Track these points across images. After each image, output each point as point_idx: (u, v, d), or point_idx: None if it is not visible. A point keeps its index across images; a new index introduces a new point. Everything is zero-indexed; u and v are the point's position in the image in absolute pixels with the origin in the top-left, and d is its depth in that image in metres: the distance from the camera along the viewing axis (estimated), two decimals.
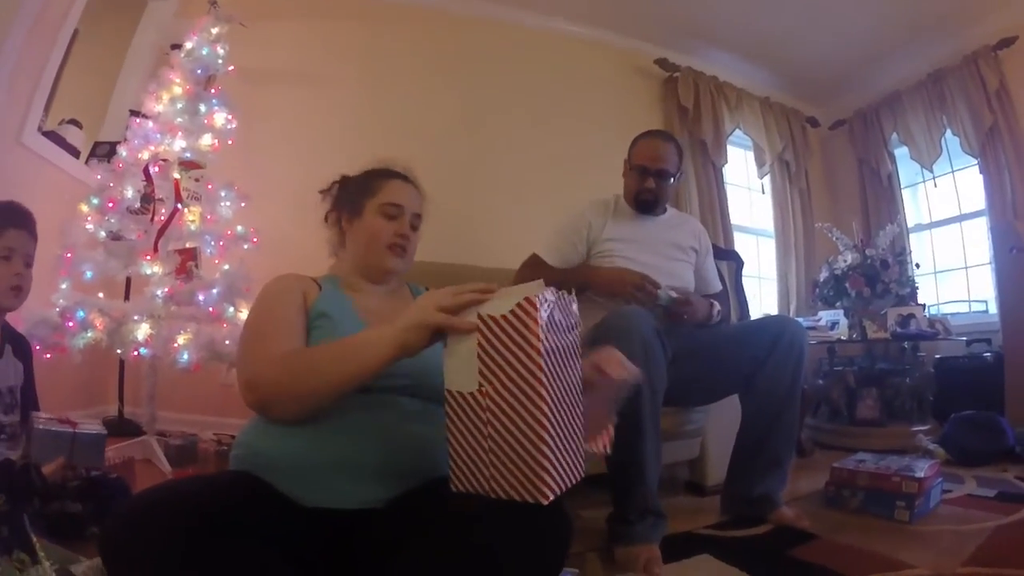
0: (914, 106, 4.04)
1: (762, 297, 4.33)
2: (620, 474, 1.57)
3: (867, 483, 1.85)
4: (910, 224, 4.23)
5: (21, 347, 1.58)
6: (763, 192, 4.45)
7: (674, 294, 1.85)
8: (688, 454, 2.17)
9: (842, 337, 3.38)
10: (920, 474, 1.77)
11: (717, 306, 2.01)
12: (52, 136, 2.69)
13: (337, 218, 1.34)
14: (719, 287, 2.22)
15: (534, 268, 2.01)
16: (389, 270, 1.26)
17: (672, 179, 2.07)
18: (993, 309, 3.53)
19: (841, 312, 3.46)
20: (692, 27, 3.89)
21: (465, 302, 0.87)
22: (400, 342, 0.91)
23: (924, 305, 3.42)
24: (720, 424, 2.05)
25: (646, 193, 2.04)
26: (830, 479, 1.95)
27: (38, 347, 2.05)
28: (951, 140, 3.88)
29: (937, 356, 3.30)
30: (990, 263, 3.56)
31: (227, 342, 2.26)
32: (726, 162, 4.13)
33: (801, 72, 4.32)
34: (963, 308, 3.78)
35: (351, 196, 1.32)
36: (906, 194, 4.33)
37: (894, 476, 1.79)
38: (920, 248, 4.19)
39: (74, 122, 2.86)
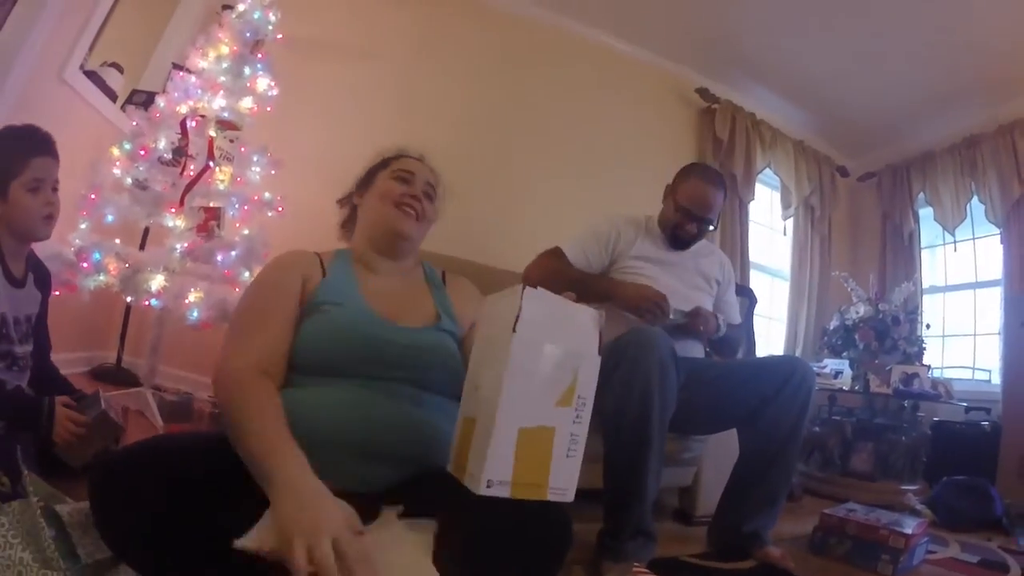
0: (945, 168, 4.05)
1: (770, 337, 4.33)
2: (618, 491, 1.56)
3: (855, 532, 1.84)
4: (925, 284, 4.23)
5: (43, 277, 1.59)
6: (784, 233, 4.46)
7: (685, 309, 1.87)
8: (681, 481, 2.16)
9: (844, 387, 3.37)
10: (908, 530, 1.77)
11: (721, 318, 2.00)
12: (93, 76, 2.69)
13: (349, 199, 1.37)
14: (738, 320, 2.22)
15: (554, 260, 2.00)
16: (399, 232, 1.24)
17: (710, 228, 2.08)
18: (996, 379, 3.54)
19: (847, 362, 3.45)
20: (738, 59, 3.91)
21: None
22: (274, 495, 0.78)
23: (929, 366, 3.40)
24: (717, 456, 2.05)
25: (685, 235, 2.03)
26: (819, 524, 1.95)
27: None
28: (976, 207, 3.88)
29: (936, 418, 3.29)
30: (999, 333, 3.56)
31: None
32: (753, 198, 4.14)
33: (839, 120, 4.34)
34: (967, 374, 3.77)
35: (366, 175, 1.35)
36: (925, 254, 4.33)
37: (883, 529, 1.79)
38: (932, 309, 4.18)
39: (116, 66, 2.85)
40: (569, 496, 0.81)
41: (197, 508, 0.79)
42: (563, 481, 0.80)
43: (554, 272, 1.94)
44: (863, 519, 1.85)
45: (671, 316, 1.82)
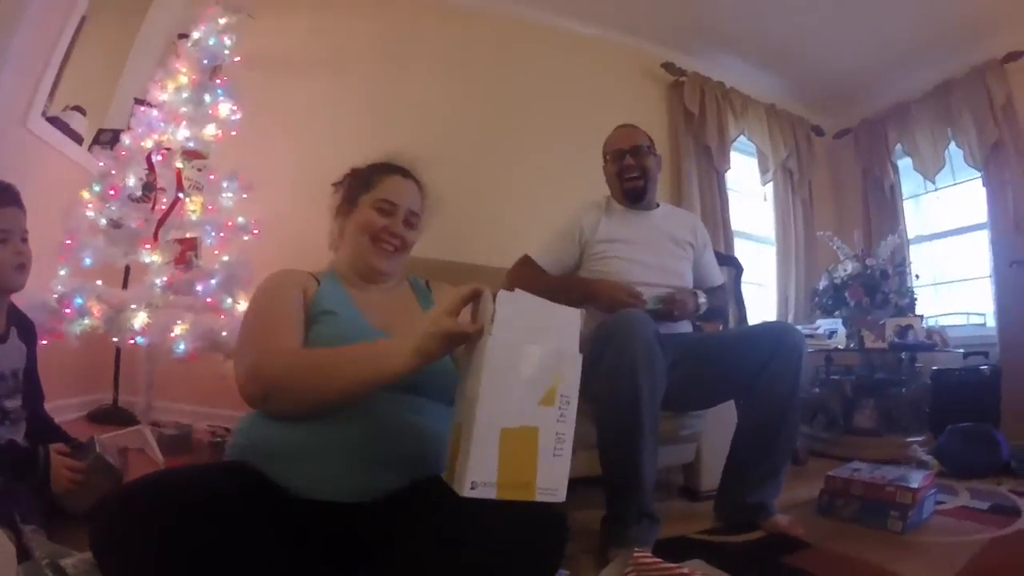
0: (920, 118, 4.05)
1: (761, 304, 4.33)
2: (616, 476, 1.56)
3: (861, 492, 1.84)
4: (911, 235, 4.23)
5: (27, 330, 1.57)
6: (765, 199, 4.45)
7: (661, 294, 1.86)
8: (683, 458, 2.16)
9: (840, 346, 3.38)
10: (914, 485, 1.76)
11: (701, 296, 1.98)
12: (56, 122, 2.67)
13: (338, 212, 1.34)
14: (720, 281, 2.20)
15: (525, 269, 2.01)
16: (375, 268, 1.25)
17: (650, 153, 2.07)
18: (991, 322, 3.55)
19: (839, 321, 3.46)
20: (701, 30, 3.90)
21: (459, 301, 0.89)
22: (422, 350, 0.90)
23: (922, 316, 3.41)
24: (716, 429, 2.05)
25: (629, 171, 2.03)
26: (824, 487, 1.95)
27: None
28: (955, 152, 3.88)
29: (934, 368, 3.29)
30: (990, 276, 3.57)
31: (224, 333, 2.26)
32: (729, 168, 4.14)
33: (809, 80, 4.33)
34: (961, 320, 3.77)
35: (351, 190, 1.31)
36: (908, 205, 4.35)
37: (888, 486, 1.78)
38: (920, 259, 4.19)
39: (78, 108, 2.84)
40: (560, 496, 0.80)
41: (200, 542, 0.78)
42: (552, 481, 0.80)
43: (527, 285, 1.91)
44: (868, 478, 1.85)
45: (648, 306, 1.82)
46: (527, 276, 1.97)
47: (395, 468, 0.99)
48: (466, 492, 0.75)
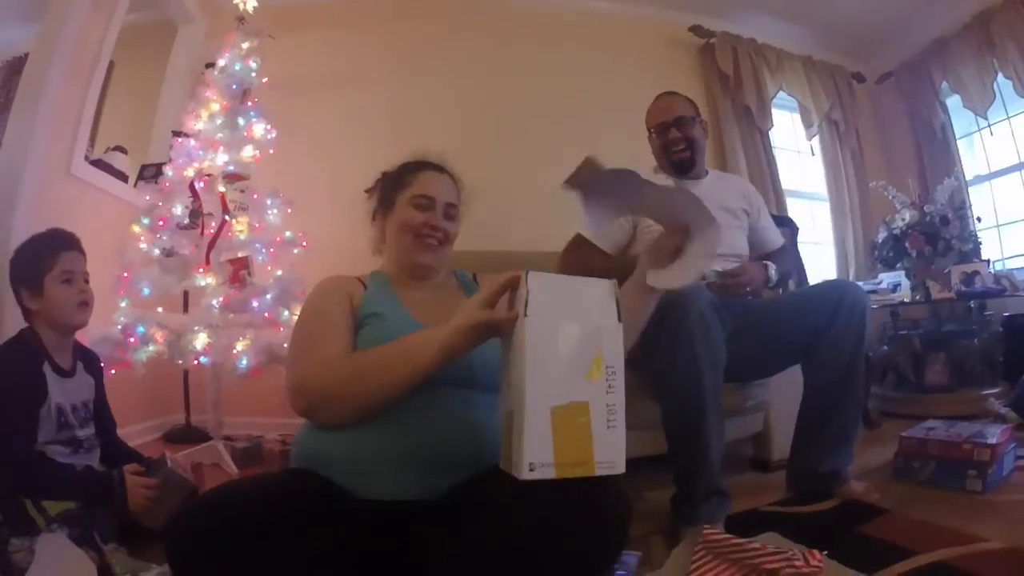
0: (962, 51, 3.82)
1: (820, 263, 4.19)
2: (682, 455, 1.54)
3: (937, 452, 1.76)
4: (968, 176, 4.01)
5: (92, 363, 1.68)
6: (813, 154, 4.30)
7: (717, 269, 1.76)
8: (751, 429, 2.12)
9: (905, 299, 3.25)
10: (992, 440, 1.69)
11: (772, 266, 1.90)
12: (99, 164, 2.80)
13: (375, 217, 1.35)
14: (780, 242, 2.11)
15: (579, 251, 1.92)
16: (420, 264, 1.25)
17: (695, 122, 2.00)
18: None
19: (902, 273, 3.33)
20: None
21: (497, 290, 0.90)
22: (448, 345, 0.92)
23: (988, 261, 3.26)
24: (784, 397, 1.98)
25: (676, 144, 1.97)
26: (898, 450, 1.88)
27: (102, 364, 2.15)
28: (1004, 84, 3.66)
29: (1005, 314, 3.14)
30: None
31: (284, 345, 2.33)
32: (772, 126, 4.01)
33: (841, 26, 4.13)
34: None
35: (386, 191, 1.33)
36: (962, 145, 4.12)
37: (964, 444, 1.70)
38: (981, 201, 3.97)
39: (119, 148, 2.97)
40: (618, 468, 0.80)
41: (267, 549, 0.81)
42: (609, 454, 0.79)
43: (581, 268, 1.85)
44: (943, 436, 1.78)
45: (707, 278, 1.72)
46: (579, 259, 1.90)
47: (453, 465, 1.00)
48: (524, 475, 0.75)
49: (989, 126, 3.93)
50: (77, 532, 1.28)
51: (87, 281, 1.59)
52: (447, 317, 1.15)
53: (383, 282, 1.26)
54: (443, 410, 1.03)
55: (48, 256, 1.53)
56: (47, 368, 1.48)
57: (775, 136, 4.09)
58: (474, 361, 1.10)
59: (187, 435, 2.81)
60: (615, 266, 1.86)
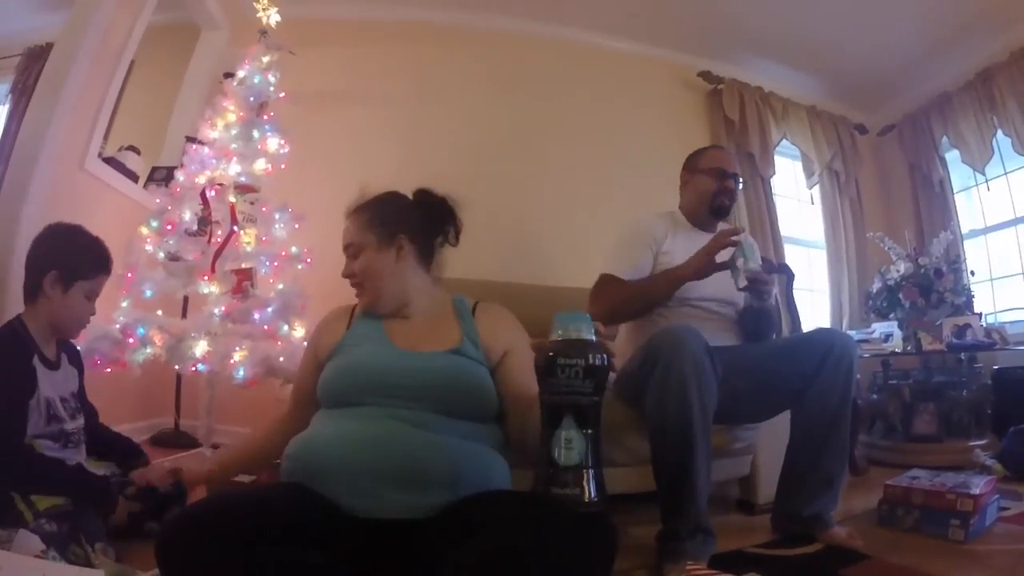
0: (964, 107, 3.91)
1: (814, 310, 4.25)
2: (670, 491, 1.56)
3: (921, 501, 1.78)
4: (964, 230, 4.07)
5: (73, 354, 1.66)
6: (812, 203, 4.38)
7: (760, 261, 1.75)
8: (738, 472, 2.13)
9: (896, 350, 3.28)
10: (975, 491, 1.70)
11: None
12: (112, 162, 2.83)
13: None
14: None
15: (611, 287, 1.88)
16: (367, 310, 1.32)
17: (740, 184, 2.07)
18: None
19: (895, 324, 3.36)
20: (734, 36, 3.87)
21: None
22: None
23: (981, 314, 3.30)
24: (771, 441, 2.01)
25: (725, 194, 2.02)
26: (883, 497, 1.89)
27: (99, 361, 2.18)
28: (1003, 140, 3.74)
29: (995, 367, 3.16)
30: None
31: (281, 359, 2.34)
32: (774, 173, 4.09)
33: (847, 78, 4.24)
34: (1021, 316, 3.63)
35: None
36: (959, 199, 4.19)
37: (948, 493, 1.72)
38: (975, 254, 4.05)
39: (132, 148, 3.00)
40: None
41: (259, 562, 0.82)
42: None
43: (617, 298, 1.85)
44: (928, 486, 1.79)
45: (750, 266, 1.67)
46: (613, 292, 1.86)
47: (435, 487, 1.02)
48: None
49: (987, 181, 3.99)
50: (65, 528, 1.27)
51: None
52: (425, 341, 1.23)
53: (372, 316, 1.32)
54: (413, 432, 1.06)
55: (94, 270, 1.55)
56: (36, 360, 1.46)
57: (776, 183, 4.16)
58: (450, 386, 1.15)
59: (176, 439, 2.82)
60: (644, 283, 1.87)
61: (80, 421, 1.57)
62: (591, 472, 0.84)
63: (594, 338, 0.85)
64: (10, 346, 1.42)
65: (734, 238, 1.68)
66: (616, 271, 1.90)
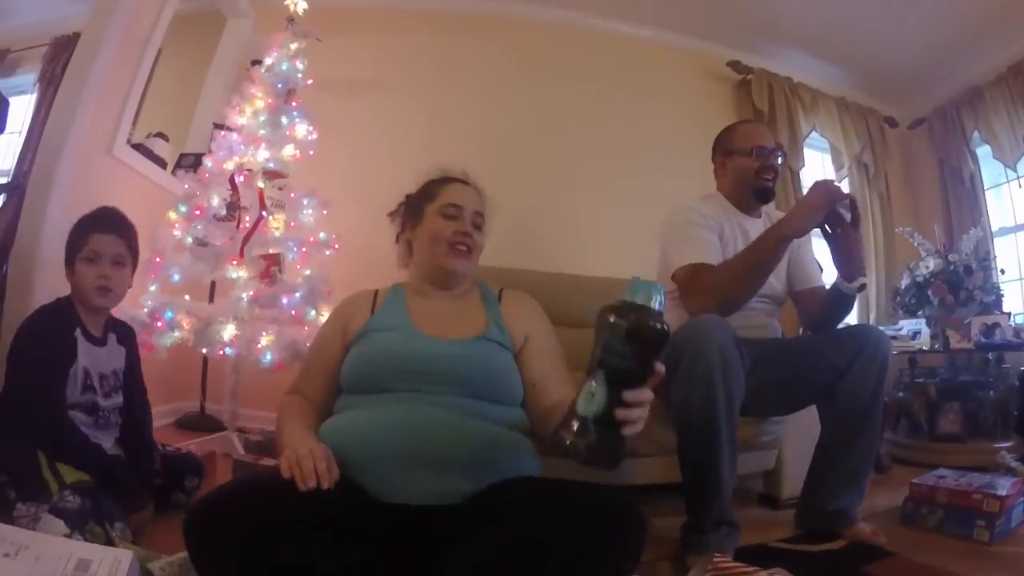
0: (995, 101, 3.83)
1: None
2: (695, 483, 1.56)
3: (947, 500, 1.77)
4: (994, 227, 4.01)
5: (125, 334, 1.72)
6: None
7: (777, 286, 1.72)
8: (763, 465, 2.12)
9: (924, 347, 3.24)
10: (1002, 492, 1.69)
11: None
12: (140, 148, 2.86)
13: (403, 231, 1.42)
14: (821, 283, 1.98)
15: (709, 276, 1.69)
16: (451, 271, 1.30)
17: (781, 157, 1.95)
18: None
19: (923, 321, 3.32)
20: (763, 26, 3.82)
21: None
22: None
23: (1010, 314, 3.24)
24: (797, 436, 2.00)
25: (769, 171, 1.89)
26: (909, 495, 1.88)
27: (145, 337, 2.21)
28: None
29: (1023, 368, 3.12)
30: None
31: (308, 344, 2.35)
32: (803, 166, 4.04)
33: (877, 70, 4.17)
34: None
35: (413, 206, 1.39)
36: (990, 195, 4.11)
37: (975, 494, 1.71)
38: (1005, 252, 3.96)
39: (161, 135, 3.04)
40: None
41: (288, 541, 0.84)
42: None
43: (726, 282, 1.66)
44: (954, 485, 1.78)
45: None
46: (714, 276, 1.68)
47: (465, 472, 1.03)
48: None
49: (1018, 178, 3.92)
50: (88, 505, 1.29)
51: (118, 263, 1.59)
52: (452, 326, 1.24)
53: (399, 296, 1.32)
54: (443, 416, 1.07)
55: (82, 235, 1.57)
56: (79, 333, 1.52)
57: (804, 176, 4.10)
58: (478, 370, 1.14)
59: (201, 423, 2.86)
60: (758, 254, 1.67)
61: (117, 400, 1.61)
62: (600, 429, 0.82)
63: (656, 308, 0.84)
64: (55, 318, 1.50)
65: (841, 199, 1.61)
66: (701, 258, 1.70)
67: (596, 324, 0.85)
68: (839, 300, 1.78)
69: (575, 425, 0.82)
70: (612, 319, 0.82)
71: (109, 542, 1.23)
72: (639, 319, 0.82)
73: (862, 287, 1.71)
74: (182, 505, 1.64)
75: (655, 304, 0.83)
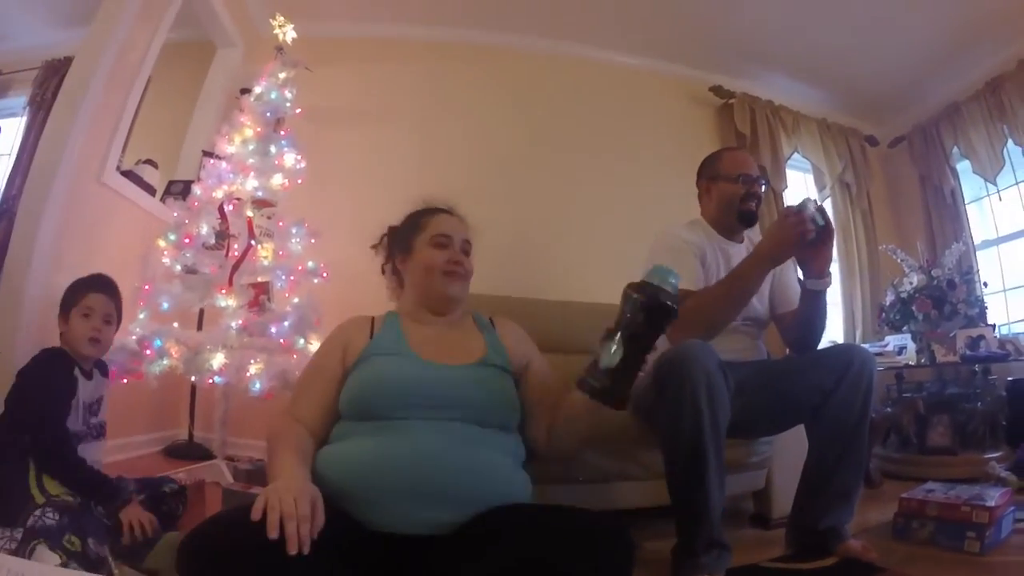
0: (973, 117, 3.92)
1: (827, 324, 4.21)
2: (684, 506, 1.56)
3: (936, 513, 1.77)
4: (977, 240, 4.07)
5: (103, 367, 1.87)
6: None
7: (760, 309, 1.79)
8: (753, 486, 2.13)
9: (910, 362, 3.28)
10: (991, 503, 1.70)
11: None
12: (130, 175, 2.86)
13: (391, 263, 1.44)
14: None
15: (690, 302, 1.64)
16: (449, 296, 1.33)
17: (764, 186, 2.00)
18: None
19: (908, 336, 3.36)
20: (744, 51, 3.90)
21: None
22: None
23: (994, 325, 3.29)
24: (786, 455, 2.01)
25: (752, 200, 1.94)
26: (899, 510, 1.89)
27: (115, 371, 2.21)
28: (1013, 150, 3.74)
29: (1009, 379, 3.14)
30: None
31: (297, 372, 2.35)
32: (786, 187, 4.10)
33: (857, 90, 4.26)
34: None
35: (401, 238, 1.41)
36: (971, 209, 4.19)
37: (964, 506, 1.72)
38: (988, 265, 4.03)
39: (150, 162, 3.04)
40: None
41: (284, 570, 0.83)
42: None
43: (706, 309, 1.72)
44: (943, 498, 1.79)
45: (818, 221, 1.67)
46: (699, 302, 1.72)
47: (453, 501, 1.03)
48: None
49: (998, 191, 3.99)
50: (65, 520, 1.33)
51: (109, 322, 1.77)
52: (451, 352, 1.25)
53: (394, 323, 1.33)
54: (444, 444, 1.07)
55: (79, 293, 1.75)
56: (77, 371, 1.69)
57: (788, 196, 4.15)
58: (480, 396, 1.15)
59: (189, 451, 2.83)
60: (732, 286, 1.74)
61: (101, 418, 1.78)
62: (614, 375, 1.05)
63: (670, 290, 1.07)
64: (59, 360, 1.68)
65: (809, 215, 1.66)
66: (684, 285, 1.65)
67: (622, 297, 1.09)
68: (812, 301, 1.83)
69: (596, 372, 1.06)
70: (632, 293, 1.07)
71: (86, 555, 1.29)
72: (652, 295, 1.05)
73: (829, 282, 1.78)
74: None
75: (667, 286, 1.06)
